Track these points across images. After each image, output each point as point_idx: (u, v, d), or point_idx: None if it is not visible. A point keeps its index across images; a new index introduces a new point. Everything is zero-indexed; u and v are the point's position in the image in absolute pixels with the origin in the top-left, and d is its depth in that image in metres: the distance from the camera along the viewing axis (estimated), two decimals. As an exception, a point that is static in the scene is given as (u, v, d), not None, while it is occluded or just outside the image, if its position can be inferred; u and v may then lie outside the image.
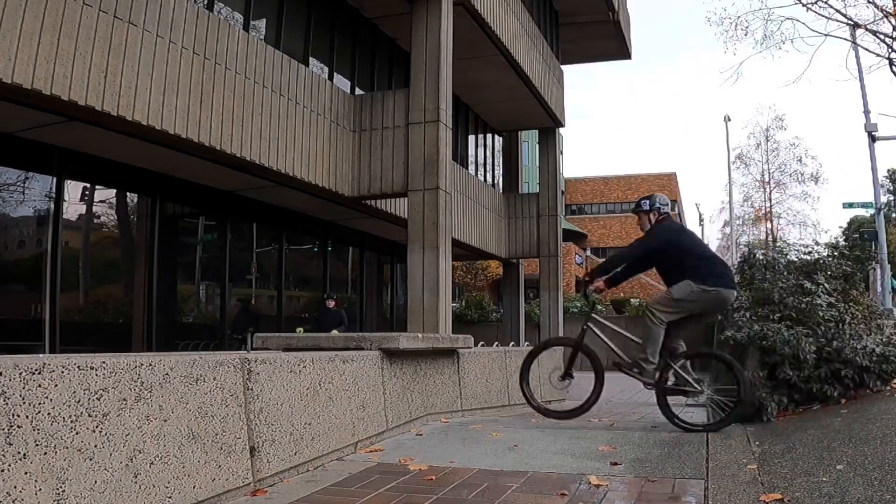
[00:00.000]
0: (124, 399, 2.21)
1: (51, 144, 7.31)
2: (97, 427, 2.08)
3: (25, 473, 1.82)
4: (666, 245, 4.68)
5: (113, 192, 8.95)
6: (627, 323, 20.56)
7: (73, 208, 8.11)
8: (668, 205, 4.90)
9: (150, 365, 2.36)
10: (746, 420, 4.67)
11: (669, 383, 4.66)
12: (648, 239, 4.76)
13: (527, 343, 16.10)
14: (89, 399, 2.08)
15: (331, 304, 10.89)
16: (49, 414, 1.94)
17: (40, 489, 1.86)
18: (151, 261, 8.80)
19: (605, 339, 4.96)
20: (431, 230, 9.20)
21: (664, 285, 4.76)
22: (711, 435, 4.20)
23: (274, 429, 2.96)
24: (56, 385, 1.98)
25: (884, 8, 13.29)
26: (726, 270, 4.80)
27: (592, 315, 5.18)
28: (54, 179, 7.54)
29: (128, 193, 9.06)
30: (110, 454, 2.11)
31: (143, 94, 6.55)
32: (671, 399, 4.66)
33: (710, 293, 4.51)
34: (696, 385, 4.58)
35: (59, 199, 7.57)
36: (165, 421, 2.36)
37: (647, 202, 4.87)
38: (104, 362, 2.17)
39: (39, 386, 1.93)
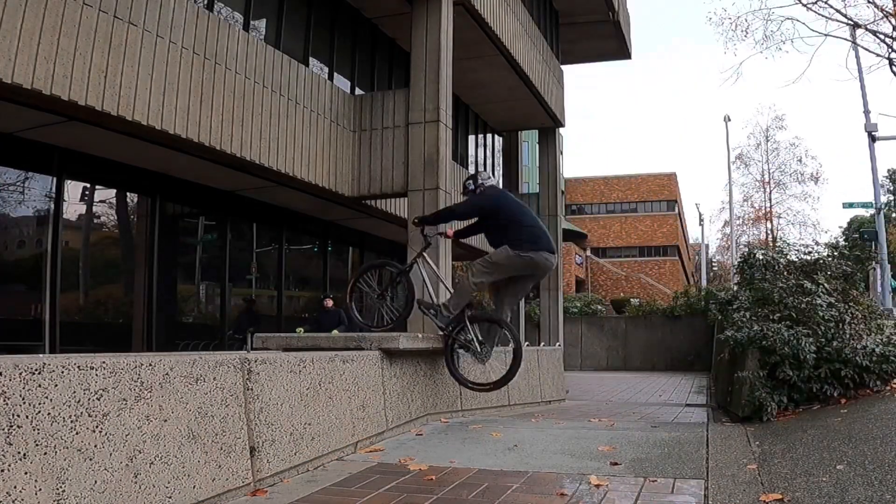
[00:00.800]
0: (124, 399, 2.21)
1: (51, 144, 7.30)
2: (97, 427, 2.08)
3: (25, 473, 1.82)
4: (488, 208, 5.02)
5: (113, 192, 8.94)
6: (627, 323, 20.58)
7: (73, 208, 8.11)
8: (490, 178, 5.34)
9: (150, 365, 2.36)
10: (746, 420, 4.68)
11: (459, 336, 4.99)
12: (472, 201, 5.15)
13: (527, 343, 16.10)
14: (89, 399, 2.08)
15: (329, 303, 10.89)
16: (49, 414, 1.94)
17: (40, 489, 1.86)
18: (151, 261, 8.79)
19: (425, 277, 5.31)
20: (431, 230, 9.18)
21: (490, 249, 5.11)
22: (711, 435, 4.21)
23: (274, 429, 2.96)
24: (56, 385, 1.98)
25: (884, 8, 13.30)
26: (543, 235, 5.05)
27: (424, 254, 5.42)
28: (54, 179, 7.53)
29: (128, 193, 9.06)
30: (110, 454, 2.11)
31: (143, 94, 6.55)
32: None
33: (525, 258, 4.83)
34: (478, 346, 4.92)
35: (59, 199, 7.56)
36: (165, 421, 2.36)
37: (471, 182, 5.25)
38: (104, 362, 2.17)
39: (39, 386, 1.93)
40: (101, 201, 8.80)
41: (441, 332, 5.05)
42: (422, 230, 5.43)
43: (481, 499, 2.71)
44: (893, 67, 13.79)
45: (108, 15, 6.19)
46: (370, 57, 11.88)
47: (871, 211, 18.14)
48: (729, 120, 29.71)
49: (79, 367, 2.07)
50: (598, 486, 2.90)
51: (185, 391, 2.48)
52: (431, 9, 9.65)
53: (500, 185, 17.19)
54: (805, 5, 13.84)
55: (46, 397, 1.94)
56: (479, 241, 14.45)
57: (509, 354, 5.11)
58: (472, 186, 5.21)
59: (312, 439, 3.23)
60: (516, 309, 5.26)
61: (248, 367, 2.87)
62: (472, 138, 15.88)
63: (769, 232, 35.37)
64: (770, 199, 35.89)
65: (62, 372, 2.01)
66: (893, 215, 34.94)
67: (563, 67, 16.86)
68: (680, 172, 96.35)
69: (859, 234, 18.86)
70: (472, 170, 15.44)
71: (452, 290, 5.19)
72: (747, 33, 17.18)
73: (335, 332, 9.81)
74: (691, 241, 55.34)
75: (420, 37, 9.66)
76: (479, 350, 4.92)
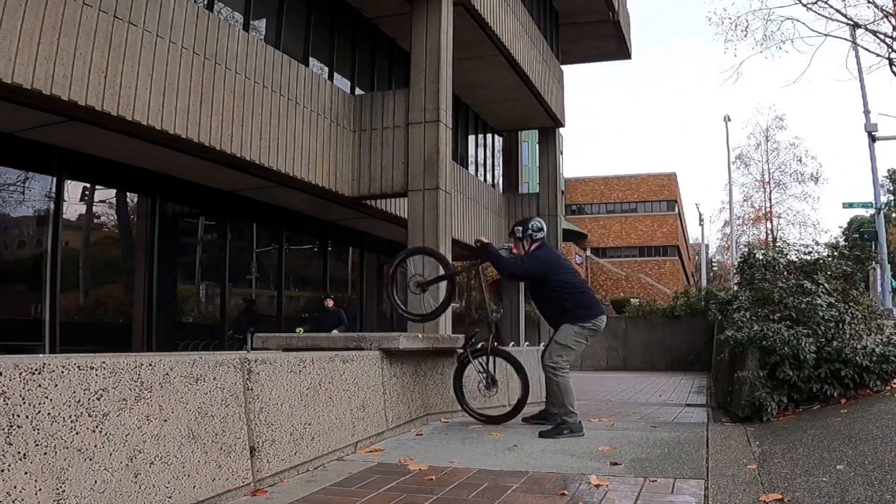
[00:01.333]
0: (124, 399, 2.21)
1: (51, 144, 7.31)
2: (97, 427, 2.08)
3: (25, 473, 1.82)
4: (540, 275, 4.69)
5: (113, 192, 8.94)
6: (627, 323, 20.59)
7: (73, 208, 8.11)
8: (542, 230, 4.82)
9: (150, 365, 2.36)
10: (746, 420, 4.68)
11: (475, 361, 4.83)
12: (525, 268, 4.77)
13: (527, 343, 16.10)
14: (89, 399, 2.08)
15: (329, 303, 10.90)
16: (49, 414, 1.94)
17: (40, 489, 1.86)
18: (151, 261, 8.79)
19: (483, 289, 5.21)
20: (431, 230, 9.20)
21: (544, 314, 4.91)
22: (711, 435, 4.21)
23: (274, 429, 2.96)
24: (56, 385, 1.98)
25: (884, 8, 13.30)
26: (594, 298, 4.85)
27: (479, 268, 5.22)
28: (54, 179, 7.54)
29: (128, 193, 9.06)
30: (110, 454, 2.11)
31: (143, 94, 6.55)
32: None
33: (589, 328, 4.63)
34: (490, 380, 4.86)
35: (59, 199, 7.57)
36: (165, 421, 2.36)
37: (520, 229, 4.81)
38: (104, 362, 2.17)
39: (39, 386, 1.93)
40: (101, 201, 8.81)
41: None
42: (482, 247, 4.96)
43: (481, 499, 2.71)
44: (893, 67, 13.80)
45: (108, 15, 6.19)
46: (370, 57, 11.88)
47: (871, 211, 18.15)
48: (729, 120, 29.72)
49: (79, 367, 2.07)
50: (598, 486, 2.90)
51: (185, 391, 2.49)
52: (431, 9, 9.65)
53: (502, 187, 17.25)
54: (805, 5, 13.85)
55: (46, 397, 1.94)
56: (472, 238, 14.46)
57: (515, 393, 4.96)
58: (520, 234, 4.79)
59: (312, 439, 3.23)
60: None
61: (248, 367, 2.87)
62: (472, 138, 15.88)
63: (769, 232, 35.38)
64: (770, 199, 35.91)
65: (62, 372, 2.01)
66: (893, 215, 34.96)
67: (563, 67, 16.87)
68: (680, 172, 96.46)
69: (859, 234, 18.86)
70: (472, 170, 15.45)
71: (557, 391, 4.62)
72: (747, 33, 17.19)
73: (335, 332, 9.83)
74: (691, 241, 55.35)
75: (420, 37, 9.67)
76: (487, 383, 4.86)
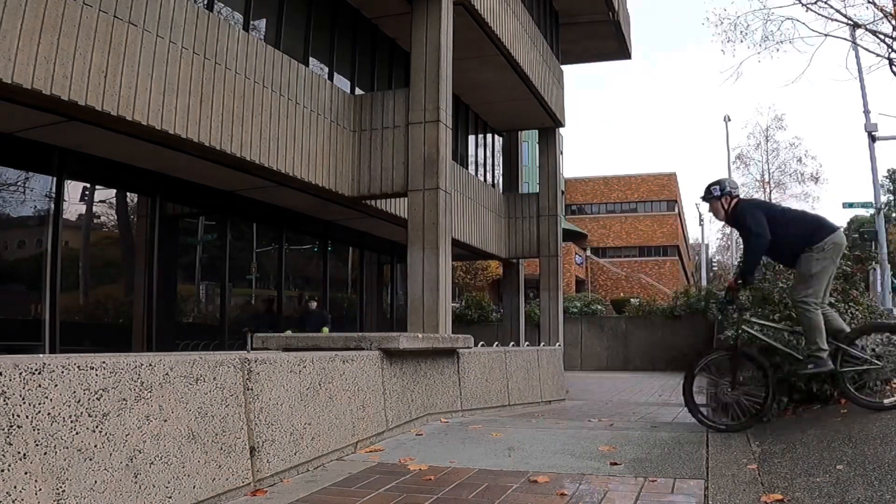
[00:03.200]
0: (124, 399, 2.21)
1: (51, 144, 7.30)
2: (97, 427, 2.08)
3: (25, 473, 1.82)
4: (766, 223, 4.37)
5: (113, 192, 8.94)
6: (627, 323, 20.59)
7: (73, 208, 8.11)
8: (737, 187, 4.69)
9: (150, 365, 2.36)
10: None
11: (849, 367, 4.25)
12: (752, 224, 4.39)
13: (527, 343, 16.10)
14: (89, 399, 2.08)
15: (313, 305, 11.01)
16: (49, 414, 1.94)
17: (40, 489, 1.86)
18: (151, 261, 8.79)
19: (766, 339, 4.59)
20: (431, 230, 9.19)
21: (791, 266, 4.55)
22: (711, 435, 4.21)
23: (274, 429, 2.96)
24: (56, 385, 1.98)
25: (884, 8, 13.30)
26: (819, 218, 4.55)
27: (744, 317, 4.67)
28: (54, 179, 7.54)
29: (128, 193, 9.06)
30: (110, 454, 2.11)
31: (143, 94, 6.55)
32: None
33: (829, 248, 4.27)
34: (874, 360, 4.26)
35: (59, 199, 7.56)
36: (165, 421, 2.36)
37: (717, 187, 4.64)
38: (104, 362, 2.17)
39: (39, 386, 1.93)
40: (101, 201, 8.81)
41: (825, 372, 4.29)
42: (729, 298, 4.67)
43: (481, 499, 2.71)
44: (893, 67, 13.79)
45: (108, 15, 6.19)
46: (370, 57, 11.88)
47: (871, 211, 18.13)
48: (729, 120, 29.75)
49: (79, 367, 2.07)
50: (598, 486, 2.90)
51: (185, 391, 2.48)
52: (431, 9, 9.65)
53: (502, 187, 17.24)
54: (805, 5, 13.84)
55: (46, 397, 1.94)
56: (479, 239, 14.47)
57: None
58: (717, 193, 4.58)
59: (312, 439, 3.23)
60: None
61: (248, 367, 2.87)
62: (472, 138, 15.88)
63: (769, 232, 35.32)
64: (770, 199, 35.88)
65: (62, 372, 2.01)
66: (893, 215, 34.95)
67: (564, 67, 16.87)
68: (680, 172, 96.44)
69: (859, 234, 18.86)
70: (472, 170, 15.44)
71: (802, 331, 4.36)
72: (746, 34, 17.17)
73: (325, 329, 9.87)
74: (691, 241, 55.35)
75: (420, 37, 9.67)
76: (876, 363, 4.24)
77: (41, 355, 2.43)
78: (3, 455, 1.78)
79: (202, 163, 8.18)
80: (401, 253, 11.20)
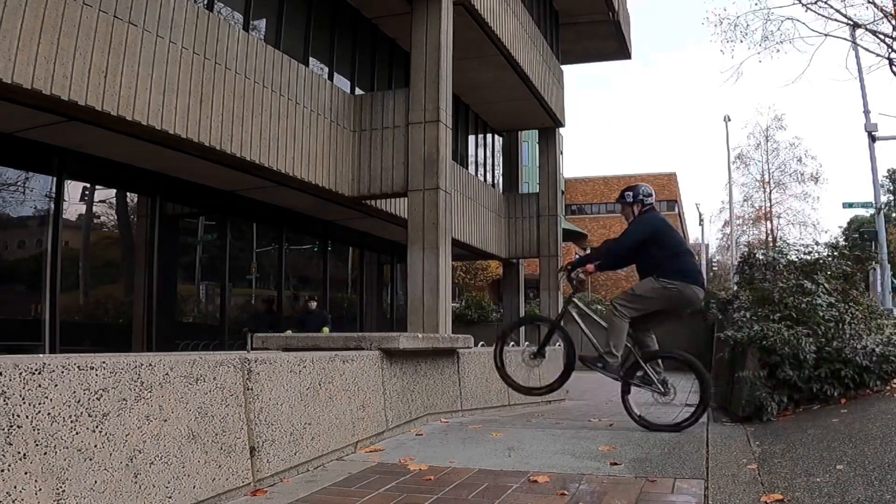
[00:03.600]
0: (124, 399, 2.21)
1: (51, 144, 7.31)
2: (97, 427, 2.08)
3: (25, 473, 1.82)
4: (649, 240, 4.68)
5: (113, 192, 8.95)
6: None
7: (73, 208, 8.11)
8: (651, 196, 4.90)
9: (150, 365, 2.36)
10: (746, 420, 4.67)
11: (634, 378, 4.69)
12: (635, 233, 4.76)
13: (527, 343, 16.09)
14: (89, 399, 2.08)
15: (312, 305, 11.01)
16: (49, 414, 1.94)
17: (40, 489, 1.86)
18: (151, 261, 8.79)
19: (583, 328, 4.97)
20: (431, 230, 9.20)
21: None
22: (711, 435, 4.20)
23: (274, 429, 2.96)
24: (56, 385, 1.98)
25: (884, 8, 13.28)
26: (694, 267, 4.83)
27: (574, 300, 5.05)
28: (54, 179, 7.54)
29: (128, 193, 9.07)
30: (110, 454, 2.11)
31: (143, 94, 6.55)
32: (637, 398, 4.73)
33: (671, 290, 4.53)
34: (660, 385, 4.63)
35: (59, 199, 7.57)
36: (165, 421, 2.36)
37: (631, 193, 4.89)
38: (104, 362, 2.17)
39: (39, 386, 1.93)
40: (101, 201, 8.81)
41: (615, 378, 4.70)
42: (567, 274, 5.05)
43: (481, 499, 2.71)
44: (893, 67, 13.78)
45: (108, 15, 6.19)
46: (370, 57, 11.88)
47: (871, 211, 18.14)
48: (729, 120, 29.76)
49: (79, 367, 2.07)
50: (598, 485, 2.90)
51: (185, 391, 2.48)
52: (431, 9, 9.65)
53: (502, 187, 17.24)
54: (805, 5, 13.82)
55: (46, 397, 1.94)
56: (479, 239, 14.47)
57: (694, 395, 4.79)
58: (630, 199, 4.84)
59: (312, 439, 3.23)
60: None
61: (248, 367, 2.87)
62: (472, 138, 15.88)
63: (769, 232, 35.35)
64: (770, 199, 35.87)
65: (62, 372, 2.01)
66: (893, 215, 34.97)
67: (564, 67, 16.87)
68: (680, 172, 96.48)
69: (859, 234, 18.86)
70: (472, 170, 15.44)
71: (608, 331, 4.71)
72: (746, 34, 17.15)
73: (325, 329, 9.87)
74: (691, 241, 55.33)
75: (420, 37, 9.67)
76: (661, 389, 4.63)
77: (41, 355, 2.43)
78: (3, 455, 1.78)
79: (202, 163, 8.18)
80: (401, 253, 11.20)
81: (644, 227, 4.73)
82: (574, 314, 4.97)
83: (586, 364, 4.79)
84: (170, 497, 2.30)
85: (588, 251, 42.35)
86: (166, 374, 2.41)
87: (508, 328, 5.30)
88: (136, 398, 2.26)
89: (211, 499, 2.50)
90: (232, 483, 2.63)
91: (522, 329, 17.22)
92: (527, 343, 4.88)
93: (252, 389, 2.87)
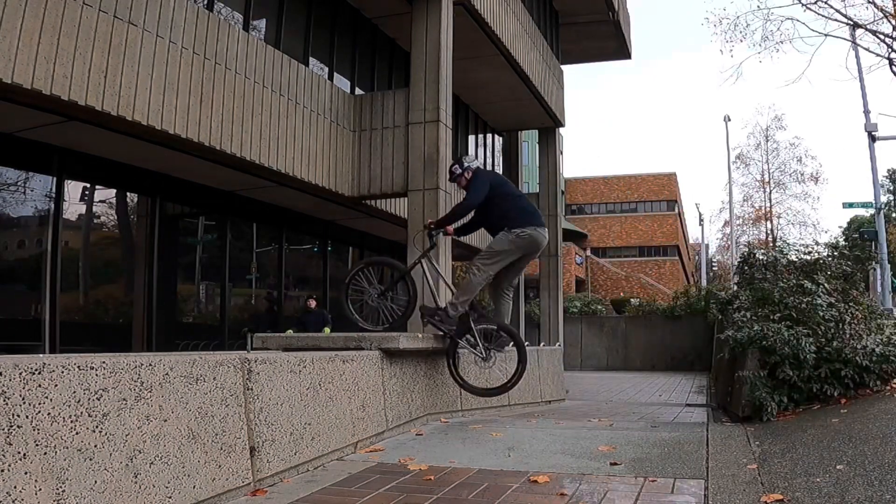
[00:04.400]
0: (124, 399, 2.21)
1: (51, 144, 7.30)
2: (97, 427, 2.08)
3: (25, 473, 1.82)
4: (489, 192, 4.94)
5: (113, 192, 8.94)
6: (627, 322, 20.55)
7: (73, 208, 8.11)
8: (476, 160, 5.27)
9: (150, 365, 2.36)
10: (746, 420, 4.68)
11: (462, 339, 4.96)
12: (477, 187, 4.98)
13: (527, 343, 16.10)
14: (89, 399, 2.08)
15: (312, 304, 11.00)
16: (49, 414, 1.94)
17: (40, 489, 1.86)
18: (151, 261, 8.79)
19: (429, 280, 5.31)
20: (431, 230, 9.19)
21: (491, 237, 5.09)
22: (711, 435, 4.21)
23: (274, 429, 2.96)
24: (56, 385, 1.98)
25: (884, 8, 13.29)
26: (535, 211, 5.08)
27: (429, 254, 5.32)
28: (54, 179, 7.54)
29: (128, 193, 9.06)
30: (110, 454, 2.11)
31: (143, 94, 6.55)
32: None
33: (524, 237, 4.84)
34: (483, 350, 4.92)
35: (59, 199, 7.57)
36: (165, 421, 2.36)
37: (457, 166, 5.19)
38: (104, 362, 2.17)
39: (39, 386, 1.93)
40: (101, 201, 8.81)
41: (442, 334, 5.00)
42: (428, 231, 5.34)
43: (481, 499, 2.71)
44: (893, 67, 13.79)
45: (108, 15, 6.18)
46: (370, 57, 11.88)
47: (871, 211, 18.14)
48: (729, 120, 29.75)
49: (79, 367, 2.07)
50: (598, 485, 2.90)
51: (185, 391, 2.48)
52: (431, 9, 9.64)
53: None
54: (805, 5, 13.84)
55: (46, 397, 1.94)
56: (478, 239, 14.47)
57: (512, 360, 5.10)
58: (459, 171, 5.15)
59: (312, 439, 3.23)
60: (511, 303, 5.17)
61: (248, 367, 2.87)
62: (472, 138, 15.88)
63: (769, 232, 35.38)
64: (770, 199, 35.90)
65: (62, 372, 2.01)
66: (893, 215, 34.97)
67: (564, 67, 16.86)
68: (680, 172, 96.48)
69: (859, 234, 18.86)
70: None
71: (456, 289, 5.13)
72: (746, 34, 17.15)
73: (326, 329, 9.87)
74: (691, 241, 55.34)
75: (420, 37, 9.66)
76: (483, 353, 4.93)
77: (41, 355, 2.43)
78: (3, 455, 1.78)
79: (202, 163, 8.18)
80: (401, 253, 11.19)
81: (482, 181, 5.02)
82: (425, 267, 5.32)
83: (425, 316, 5.05)
84: (170, 497, 2.30)
85: (588, 251, 41.92)
86: (166, 374, 2.41)
87: (365, 263, 5.51)
88: (136, 398, 2.26)
89: (211, 499, 2.50)
90: (232, 483, 2.63)
91: (523, 329, 17.15)
92: (512, 343, 5.04)
93: (252, 389, 2.87)
